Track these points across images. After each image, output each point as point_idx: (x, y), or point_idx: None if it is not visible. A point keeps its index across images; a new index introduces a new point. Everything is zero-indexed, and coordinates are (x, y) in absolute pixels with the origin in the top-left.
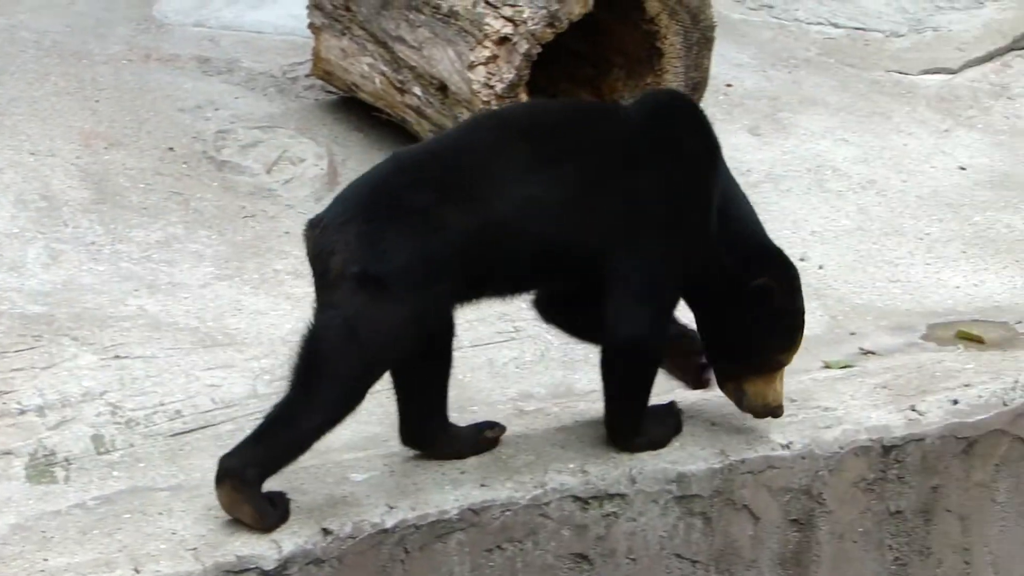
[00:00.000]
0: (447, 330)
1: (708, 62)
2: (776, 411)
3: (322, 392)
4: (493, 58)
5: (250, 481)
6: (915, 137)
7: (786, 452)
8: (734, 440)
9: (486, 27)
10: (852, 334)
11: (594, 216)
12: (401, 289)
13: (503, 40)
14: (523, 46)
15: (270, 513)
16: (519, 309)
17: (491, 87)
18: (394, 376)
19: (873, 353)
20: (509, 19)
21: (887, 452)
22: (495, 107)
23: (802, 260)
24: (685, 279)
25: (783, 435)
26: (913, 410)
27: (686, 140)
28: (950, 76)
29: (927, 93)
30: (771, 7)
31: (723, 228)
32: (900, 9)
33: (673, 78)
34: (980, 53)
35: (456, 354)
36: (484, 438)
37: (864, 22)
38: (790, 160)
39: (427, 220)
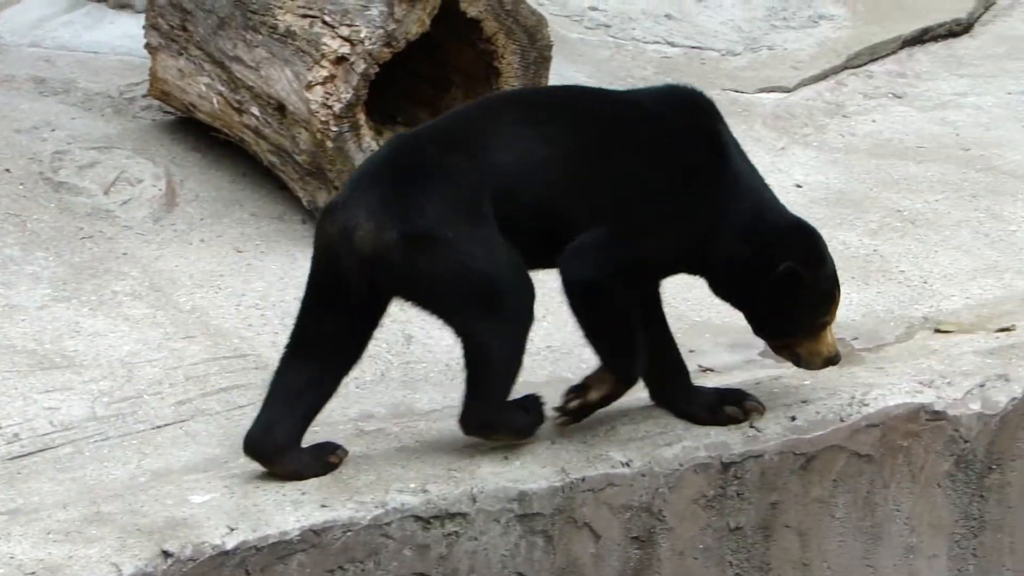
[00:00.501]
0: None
1: (545, 81)
2: (834, 359)
3: (484, 327)
4: (331, 78)
5: (487, 422)
6: (752, 155)
7: (626, 470)
8: (575, 458)
9: (323, 47)
10: (691, 352)
11: (591, 184)
12: (450, 230)
13: (340, 60)
14: (360, 66)
15: (523, 420)
16: None
17: (329, 107)
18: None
19: (712, 370)
20: (346, 39)
21: (726, 469)
22: (334, 127)
23: None
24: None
25: (623, 453)
26: (751, 427)
27: (694, 134)
28: (786, 94)
29: (763, 111)
30: (608, 26)
31: (738, 220)
32: (736, 28)
33: None
34: (815, 71)
35: None
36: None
37: (700, 41)
38: None
39: (439, 169)
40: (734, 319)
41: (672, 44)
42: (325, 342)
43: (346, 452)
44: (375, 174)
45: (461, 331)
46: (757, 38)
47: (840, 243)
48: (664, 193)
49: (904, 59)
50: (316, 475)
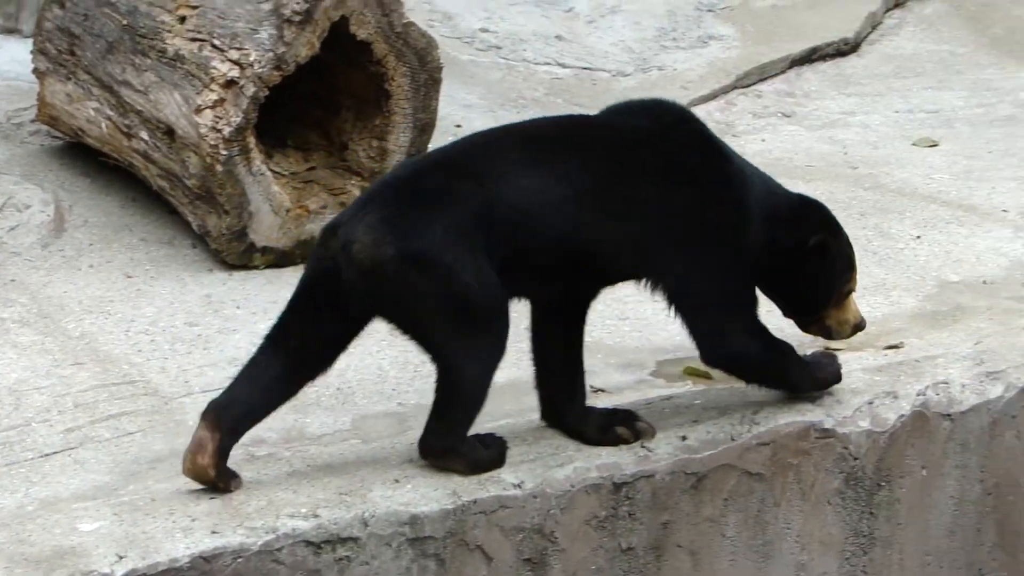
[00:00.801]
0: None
1: (436, 103)
2: (862, 324)
3: (457, 354)
4: (220, 102)
5: (449, 448)
6: None
7: (518, 491)
8: (466, 481)
9: (212, 71)
10: None
11: (617, 217)
12: (445, 254)
13: (230, 84)
14: (250, 89)
15: (483, 455)
16: (250, 354)
17: (219, 131)
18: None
19: (603, 391)
20: (235, 62)
21: (618, 489)
22: (223, 151)
23: None
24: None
25: (515, 475)
26: (643, 447)
27: (694, 152)
28: None
29: None
30: (499, 48)
31: (759, 210)
32: (626, 49)
33: (402, 119)
34: (705, 91)
35: (186, 400)
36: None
37: (591, 62)
38: None
39: (445, 195)
40: (626, 340)
41: (563, 65)
42: (301, 346)
43: (240, 483)
44: (380, 194)
45: (438, 355)
46: (647, 59)
47: None
48: (706, 224)
49: (793, 78)
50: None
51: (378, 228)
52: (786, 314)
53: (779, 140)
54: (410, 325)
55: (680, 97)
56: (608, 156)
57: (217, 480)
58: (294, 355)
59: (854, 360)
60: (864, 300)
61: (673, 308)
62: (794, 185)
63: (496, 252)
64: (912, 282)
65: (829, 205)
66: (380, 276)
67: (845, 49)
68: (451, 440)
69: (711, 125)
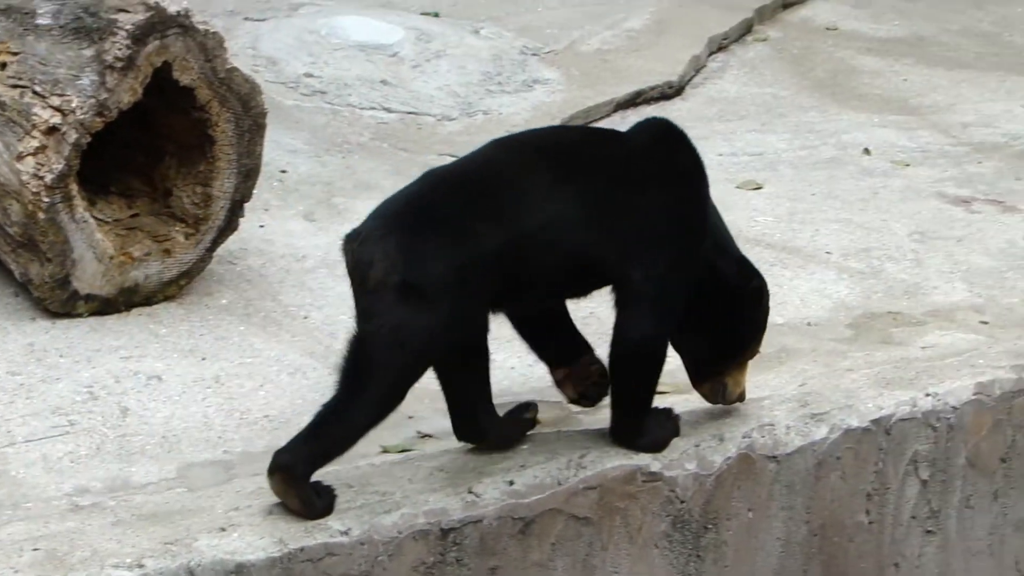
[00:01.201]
0: (482, 331)
1: (261, 148)
2: (744, 395)
3: (369, 393)
4: (42, 148)
5: (299, 475)
6: None
7: (345, 539)
8: (293, 528)
9: (34, 117)
10: (410, 418)
11: (612, 232)
12: (439, 296)
13: (52, 130)
14: (72, 136)
15: (315, 504)
16: (74, 403)
17: (40, 178)
18: (439, 375)
19: (431, 436)
20: (57, 109)
21: (445, 535)
22: (45, 199)
23: None
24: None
25: (342, 522)
26: (471, 492)
27: (683, 162)
28: None
29: None
30: (324, 93)
31: (714, 239)
32: (452, 93)
33: (226, 165)
34: None
35: (8, 451)
36: (525, 419)
37: (416, 107)
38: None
39: (462, 232)
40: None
41: (388, 110)
42: None
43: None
44: (400, 214)
45: (357, 383)
46: (473, 103)
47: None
48: (676, 227)
49: (618, 122)
50: (522, 435)
51: (393, 256)
52: (696, 357)
53: None
54: (366, 336)
55: None
56: (614, 171)
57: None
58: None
59: (680, 404)
60: None
61: (624, 301)
62: None
63: (499, 283)
64: None
65: None
66: (381, 296)
67: (669, 92)
68: (299, 482)
69: None
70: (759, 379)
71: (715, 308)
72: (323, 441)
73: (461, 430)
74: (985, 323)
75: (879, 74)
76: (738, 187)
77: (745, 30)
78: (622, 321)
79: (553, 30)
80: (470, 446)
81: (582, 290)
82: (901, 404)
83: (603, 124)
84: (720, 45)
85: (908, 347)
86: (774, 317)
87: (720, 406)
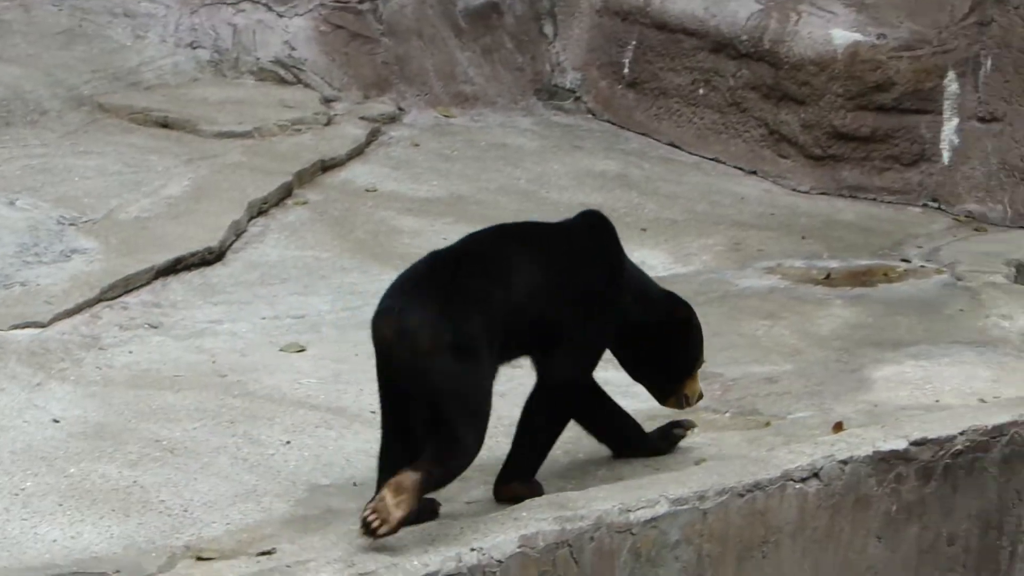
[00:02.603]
0: None
1: None
2: (701, 395)
3: (468, 438)
4: None
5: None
6: (6, 392)
7: None
8: None
9: None
10: None
11: (560, 297)
12: (482, 351)
13: None
14: None
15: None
16: None
17: None
18: None
19: None
20: None
21: None
22: None
23: None
24: (616, 340)
25: None
26: None
27: (608, 245)
28: (40, 330)
29: (17, 348)
30: None
31: (635, 294)
32: None
33: None
34: (69, 305)
35: None
36: None
37: None
38: None
39: (483, 299)
40: None
41: None
42: (399, 422)
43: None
44: (424, 288)
45: (448, 424)
46: (10, 275)
47: (100, 476)
48: (600, 294)
49: (159, 289)
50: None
51: (437, 322)
52: (652, 389)
53: (147, 351)
54: (435, 398)
55: (44, 312)
56: (558, 252)
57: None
58: (403, 432)
59: (226, 568)
60: (235, 508)
61: (551, 352)
62: (163, 397)
63: (501, 337)
64: (283, 487)
65: (198, 415)
66: (433, 360)
67: (210, 258)
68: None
69: (76, 340)
70: (305, 541)
71: (659, 342)
72: (437, 482)
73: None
74: None
75: (419, 233)
76: (282, 350)
77: (285, 194)
78: (554, 362)
79: (91, 199)
80: None
81: (539, 346)
82: (447, 560)
83: (144, 292)
84: (260, 209)
85: (453, 503)
86: (318, 479)
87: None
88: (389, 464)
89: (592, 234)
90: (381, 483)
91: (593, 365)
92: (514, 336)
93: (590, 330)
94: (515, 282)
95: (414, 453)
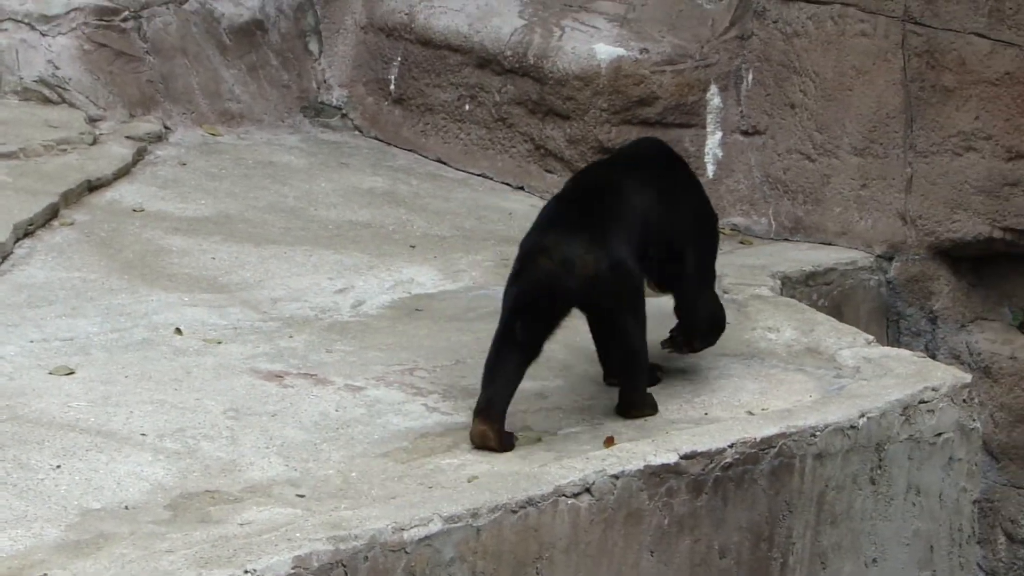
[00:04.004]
0: None
1: None
2: None
3: (637, 331)
4: None
5: (640, 402)
6: None
7: None
8: None
9: None
10: None
11: (676, 215)
12: (633, 266)
13: None
14: None
15: (652, 401)
16: None
17: None
18: (597, 332)
19: None
20: None
21: None
22: None
23: None
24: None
25: None
26: None
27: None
28: None
29: None
30: None
31: None
32: None
33: None
34: None
35: None
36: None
37: None
38: None
39: (620, 219)
40: None
41: None
42: (526, 342)
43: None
44: (567, 223)
45: (625, 334)
46: None
47: None
48: (706, 208)
49: None
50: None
51: (594, 249)
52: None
53: None
54: (611, 311)
55: None
56: (659, 177)
57: (504, 449)
58: (522, 350)
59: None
60: (5, 534)
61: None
62: None
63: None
64: (53, 512)
65: None
66: (600, 281)
67: None
68: (637, 398)
69: None
70: (77, 566)
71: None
72: (641, 372)
73: (608, 376)
74: (301, 496)
75: (187, 253)
76: (51, 373)
77: (52, 215)
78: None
79: None
80: None
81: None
82: None
83: None
84: (27, 231)
85: (226, 524)
86: (90, 503)
87: None
88: (498, 375)
89: (673, 159)
90: (488, 390)
91: (714, 276)
92: (650, 253)
93: (707, 257)
94: (637, 206)
95: (522, 367)
